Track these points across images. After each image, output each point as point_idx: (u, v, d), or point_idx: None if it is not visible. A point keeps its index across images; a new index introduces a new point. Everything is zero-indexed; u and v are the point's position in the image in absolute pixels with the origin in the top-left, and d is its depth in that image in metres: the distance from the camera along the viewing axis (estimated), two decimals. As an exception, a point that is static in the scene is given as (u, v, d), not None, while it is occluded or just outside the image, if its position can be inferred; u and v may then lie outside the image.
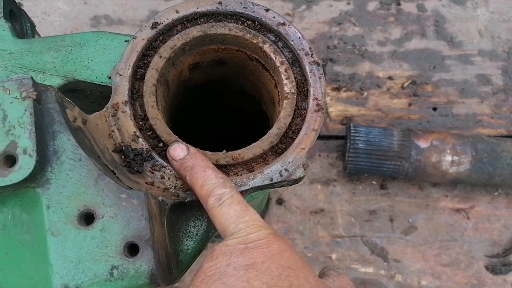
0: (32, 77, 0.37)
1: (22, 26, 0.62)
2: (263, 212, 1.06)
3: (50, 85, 0.39)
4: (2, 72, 0.54)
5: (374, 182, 1.11)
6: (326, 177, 1.12)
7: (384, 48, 1.22)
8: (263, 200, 0.98)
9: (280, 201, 1.09)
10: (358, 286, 1.04)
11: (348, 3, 1.25)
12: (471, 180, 1.02)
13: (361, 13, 1.25)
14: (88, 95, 0.59)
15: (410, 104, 1.17)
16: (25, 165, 0.35)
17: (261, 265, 0.38)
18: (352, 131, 1.05)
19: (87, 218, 0.36)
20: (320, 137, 1.15)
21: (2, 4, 0.57)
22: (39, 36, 0.68)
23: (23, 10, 0.64)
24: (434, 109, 1.17)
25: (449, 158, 1.01)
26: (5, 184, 0.34)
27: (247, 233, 0.41)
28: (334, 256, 1.07)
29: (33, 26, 0.65)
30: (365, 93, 1.18)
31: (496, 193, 1.10)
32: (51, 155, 0.37)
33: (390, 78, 1.19)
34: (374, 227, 1.08)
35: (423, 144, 1.02)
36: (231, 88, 0.64)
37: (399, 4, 1.25)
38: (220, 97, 0.67)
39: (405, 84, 1.19)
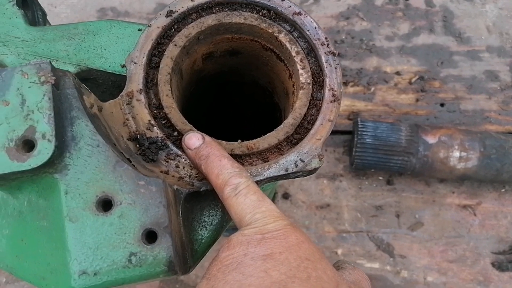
0: (50, 62, 0.37)
1: (34, 14, 0.62)
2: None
3: (68, 71, 0.39)
4: (15, 59, 0.54)
5: (380, 178, 1.11)
6: (333, 172, 1.11)
7: (392, 43, 1.21)
8: (270, 194, 0.98)
9: (286, 196, 1.09)
10: (364, 281, 1.04)
11: (356, -2, 1.24)
12: (479, 176, 1.02)
13: (369, 8, 1.24)
14: (100, 84, 0.58)
15: (417, 100, 1.17)
16: (44, 150, 0.34)
17: (279, 255, 0.38)
18: (359, 126, 1.04)
19: (105, 204, 0.36)
20: (327, 132, 1.15)
21: (14, -9, 0.57)
22: (50, 24, 0.67)
23: (35, -2, 0.63)
24: (442, 105, 1.17)
25: (457, 154, 1.01)
26: (24, 169, 0.34)
27: (264, 223, 0.40)
28: (340, 251, 1.07)
29: (44, 14, 0.65)
30: (372, 88, 1.17)
31: (503, 190, 1.10)
32: (69, 140, 0.36)
33: (397, 73, 1.19)
34: (380, 223, 1.08)
35: (431, 139, 1.02)
36: (243, 79, 0.64)
37: (407, -1, 1.25)
38: (232, 88, 0.66)
39: (413, 80, 1.18)
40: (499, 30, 1.24)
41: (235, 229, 1.03)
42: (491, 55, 1.21)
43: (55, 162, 0.35)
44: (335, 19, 1.23)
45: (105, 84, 0.58)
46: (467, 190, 1.10)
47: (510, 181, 1.04)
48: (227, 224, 0.47)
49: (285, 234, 0.40)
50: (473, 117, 1.16)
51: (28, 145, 0.35)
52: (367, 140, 1.03)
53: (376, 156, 1.03)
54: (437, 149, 1.01)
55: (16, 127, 0.35)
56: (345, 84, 1.18)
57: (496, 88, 1.19)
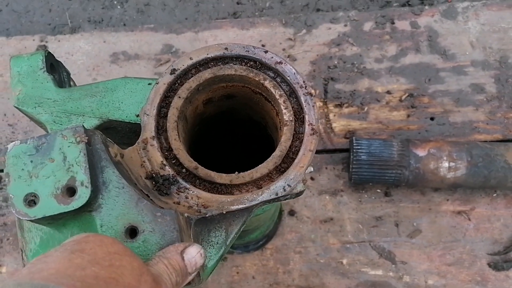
0: (83, 125, 0.47)
1: (60, 75, 0.74)
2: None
3: (96, 130, 0.49)
4: (49, 117, 0.65)
5: (378, 190, 1.19)
6: (334, 188, 1.20)
7: (381, 65, 1.31)
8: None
9: (292, 213, 1.18)
10: (368, 288, 1.12)
11: (345, 25, 1.35)
12: (469, 183, 1.10)
13: (358, 34, 1.34)
14: (119, 131, 0.69)
15: (408, 116, 1.26)
16: (83, 195, 0.45)
17: (88, 250, 0.41)
18: (354, 144, 1.14)
19: (131, 232, 0.46)
20: (326, 151, 1.24)
21: (44, 60, 0.68)
22: (73, 81, 0.79)
23: (60, 61, 0.75)
24: (432, 119, 1.26)
25: (446, 164, 1.09)
26: (69, 210, 0.44)
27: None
28: (345, 261, 1.15)
29: (68, 74, 0.77)
30: (366, 108, 1.27)
31: (494, 195, 1.17)
32: (101, 185, 0.47)
33: (388, 92, 1.28)
34: (381, 232, 1.16)
35: (421, 152, 1.11)
36: (239, 116, 0.74)
37: (393, 23, 1.35)
38: (231, 124, 0.77)
39: (403, 97, 1.28)
40: (483, 45, 1.33)
41: (239, 247, 1.12)
42: (476, 69, 1.30)
43: (91, 203, 0.46)
44: (327, 46, 1.34)
45: (123, 131, 0.69)
46: (461, 197, 1.18)
47: (499, 186, 1.11)
48: (230, 243, 0.56)
49: (102, 238, 0.43)
50: (462, 129, 1.24)
51: (70, 191, 0.45)
52: (362, 156, 1.12)
53: (371, 171, 1.12)
54: (427, 161, 1.10)
55: (60, 178, 0.45)
56: (340, 105, 1.27)
57: (482, 100, 1.27)
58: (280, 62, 0.62)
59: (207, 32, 1.36)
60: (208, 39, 1.36)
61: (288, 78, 0.61)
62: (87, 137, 0.47)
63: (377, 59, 1.32)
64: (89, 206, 0.46)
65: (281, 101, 0.60)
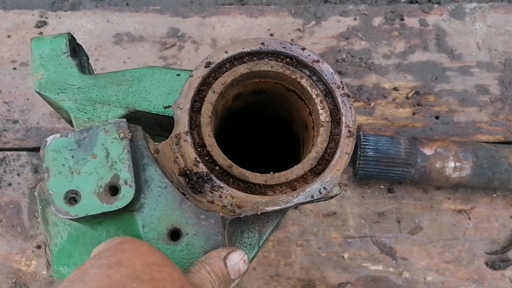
0: (126, 120, 0.45)
1: (81, 60, 0.71)
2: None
3: (137, 125, 0.47)
4: (72, 104, 0.62)
5: (382, 186, 1.20)
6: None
7: (389, 61, 1.31)
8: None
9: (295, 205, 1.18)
10: (369, 283, 1.13)
11: (355, 19, 1.34)
12: (472, 184, 1.12)
13: (367, 28, 1.33)
14: (143, 121, 0.67)
15: (414, 113, 1.26)
16: (127, 194, 0.43)
17: (126, 262, 0.39)
18: (362, 139, 1.14)
19: (174, 235, 0.45)
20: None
21: (68, 43, 0.65)
22: (90, 65, 0.76)
23: (80, 45, 0.72)
24: (437, 117, 1.26)
25: (452, 164, 1.10)
26: (112, 210, 0.43)
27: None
28: (346, 256, 1.16)
29: (87, 58, 0.74)
30: (372, 104, 1.27)
31: (494, 195, 1.20)
32: (143, 184, 0.45)
33: (395, 89, 1.28)
34: (383, 228, 1.17)
35: (428, 151, 1.11)
36: (265, 111, 0.73)
37: (402, 19, 1.34)
38: (255, 118, 0.75)
39: (409, 95, 1.28)
40: (488, 47, 1.33)
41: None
42: (481, 70, 1.31)
43: (134, 202, 0.44)
44: (336, 39, 1.32)
45: (147, 122, 0.67)
46: (462, 196, 1.19)
47: (501, 187, 1.13)
48: (263, 244, 0.55)
49: (138, 245, 0.41)
50: (465, 128, 1.26)
51: (113, 190, 0.44)
52: (370, 153, 1.12)
53: (378, 168, 1.12)
54: (434, 160, 1.11)
55: (103, 175, 0.43)
56: (347, 100, 1.27)
57: (486, 101, 1.28)
58: (318, 61, 0.61)
59: (215, 18, 1.33)
60: (215, 24, 1.33)
61: (325, 77, 0.60)
62: (131, 134, 0.45)
63: (385, 55, 1.31)
64: (131, 205, 0.44)
65: (317, 100, 0.59)
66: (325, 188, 0.56)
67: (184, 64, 1.29)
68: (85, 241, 0.49)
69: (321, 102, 0.59)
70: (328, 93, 0.60)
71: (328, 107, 0.60)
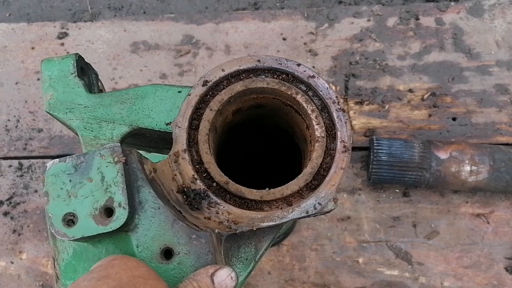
0: (120, 145, 0.47)
1: (89, 78, 0.73)
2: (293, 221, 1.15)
3: (133, 148, 0.50)
4: (79, 123, 0.65)
5: (397, 190, 1.19)
6: (352, 186, 1.21)
7: (404, 62, 1.29)
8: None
9: (310, 210, 1.19)
10: (384, 288, 1.13)
11: (369, 20, 1.33)
12: (489, 188, 1.10)
13: (381, 29, 1.32)
14: (147, 137, 0.70)
15: (430, 115, 1.25)
16: (121, 216, 0.45)
17: (114, 275, 0.42)
18: (375, 144, 1.13)
19: (167, 254, 0.47)
20: (346, 149, 1.24)
21: (75, 64, 0.68)
22: (101, 82, 0.79)
23: (89, 64, 0.75)
24: (454, 119, 1.24)
25: (467, 168, 1.08)
26: (107, 231, 0.45)
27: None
28: (361, 260, 1.16)
29: (97, 76, 0.76)
30: (387, 106, 1.26)
31: (514, 198, 1.17)
32: (137, 205, 0.47)
33: (410, 90, 1.27)
34: (398, 233, 1.17)
35: (442, 155, 1.10)
36: (267, 123, 0.74)
37: (417, 19, 1.32)
38: (257, 131, 0.77)
39: (425, 96, 1.26)
40: (509, 44, 1.30)
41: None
42: (500, 69, 1.28)
43: (128, 223, 0.46)
44: (349, 41, 1.32)
45: (151, 137, 0.69)
46: (480, 199, 1.17)
47: (520, 191, 1.11)
48: (259, 259, 0.57)
49: (127, 261, 0.44)
50: (484, 130, 1.23)
51: (108, 212, 0.46)
52: (383, 157, 1.11)
53: (391, 172, 1.12)
54: (449, 164, 1.09)
55: (99, 198, 0.46)
56: (361, 103, 1.26)
57: (506, 101, 1.25)
58: (313, 76, 0.61)
59: (228, 24, 1.35)
60: (228, 30, 1.34)
61: (320, 92, 0.61)
62: (124, 157, 0.47)
63: (400, 56, 1.30)
64: (126, 226, 0.46)
65: (313, 116, 0.60)
66: (320, 204, 0.57)
67: (199, 70, 1.32)
68: (88, 257, 0.52)
69: (316, 117, 0.60)
70: (324, 108, 0.61)
71: (324, 122, 0.60)
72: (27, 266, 1.24)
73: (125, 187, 0.46)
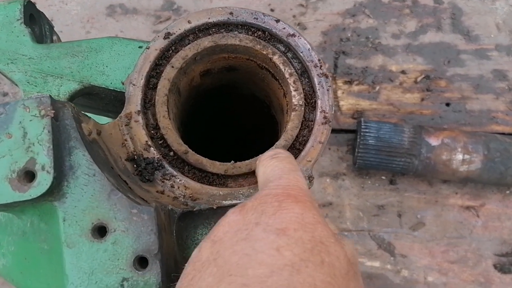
0: (50, 96, 0.39)
1: (41, 28, 0.64)
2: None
3: (67, 102, 0.41)
4: (22, 76, 0.56)
5: (383, 177, 1.12)
6: (336, 170, 1.13)
7: (398, 41, 1.21)
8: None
9: (290, 194, 1.11)
10: (364, 280, 1.06)
11: (364, -5, 1.24)
12: (482, 179, 1.03)
13: (375, 5, 1.23)
14: (103, 98, 0.61)
15: (422, 99, 1.17)
16: (43, 181, 0.37)
17: (293, 232, 0.35)
18: (362, 126, 1.05)
19: (100, 231, 0.38)
20: (331, 131, 1.16)
21: (22, 10, 0.59)
22: (58, 36, 0.69)
23: (42, 12, 0.65)
24: (447, 104, 1.17)
25: (460, 156, 1.01)
26: (25, 199, 0.37)
27: (286, 189, 0.38)
28: (341, 249, 1.09)
29: (51, 27, 0.67)
30: (377, 87, 1.18)
31: (508, 192, 1.10)
32: (67, 170, 0.39)
33: (403, 72, 1.19)
34: (382, 222, 1.10)
35: (434, 141, 1.02)
36: (242, 91, 0.65)
37: (415, -4, 1.24)
38: (231, 100, 0.68)
39: (418, 79, 1.18)
40: (510, 28, 1.22)
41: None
42: (500, 54, 1.20)
43: (54, 191, 0.38)
44: (341, 16, 1.23)
45: (107, 98, 0.61)
46: (471, 191, 1.10)
47: (514, 183, 1.04)
48: (219, 242, 0.49)
49: (303, 210, 0.37)
50: (479, 118, 1.16)
51: (29, 175, 0.37)
52: (370, 141, 1.04)
53: (378, 157, 1.04)
54: (440, 151, 1.02)
55: (18, 159, 0.37)
56: (350, 82, 1.18)
57: (504, 88, 1.18)
58: (293, 35, 0.53)
59: (213, -9, 1.25)
60: (213, -2, 1.24)
61: (301, 54, 0.52)
62: (53, 111, 0.38)
63: (394, 35, 1.21)
64: (51, 194, 0.38)
65: (290, 81, 0.51)
66: (292, 181, 0.49)
67: (179, 40, 1.22)
68: (12, 231, 0.44)
69: (294, 82, 0.51)
70: (304, 72, 0.53)
71: (303, 89, 0.52)
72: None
73: (51, 146, 0.37)
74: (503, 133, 1.11)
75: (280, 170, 0.41)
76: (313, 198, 0.39)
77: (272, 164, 0.42)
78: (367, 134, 1.04)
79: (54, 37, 0.69)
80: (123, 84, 0.56)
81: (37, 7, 0.65)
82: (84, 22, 1.24)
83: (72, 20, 1.24)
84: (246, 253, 0.33)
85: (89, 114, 0.50)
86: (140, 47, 0.58)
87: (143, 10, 1.25)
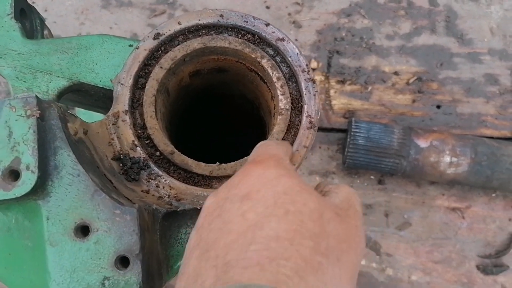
0: (36, 96, 0.39)
1: (32, 23, 0.64)
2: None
3: (53, 101, 0.41)
4: (11, 72, 0.56)
5: (372, 177, 1.13)
6: (325, 169, 1.14)
7: (392, 42, 1.21)
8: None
9: (279, 191, 1.12)
10: (349, 278, 1.08)
11: (360, -5, 1.24)
12: (469, 182, 1.04)
13: (371, 5, 1.24)
14: (93, 95, 0.61)
15: (414, 101, 1.18)
16: (28, 181, 0.37)
17: (256, 194, 0.36)
18: (353, 126, 1.06)
19: (83, 230, 0.39)
20: (322, 129, 1.17)
21: (13, 4, 0.59)
22: (49, 30, 0.69)
23: (34, 7, 0.65)
24: (438, 107, 1.18)
25: (447, 159, 1.02)
26: (9, 198, 0.37)
27: (253, 159, 0.39)
28: (328, 247, 1.10)
29: (42, 22, 0.67)
30: (370, 88, 1.18)
31: (494, 195, 1.12)
32: (52, 169, 0.39)
33: (396, 73, 1.19)
34: (369, 221, 1.11)
35: (422, 143, 1.04)
36: (231, 92, 0.66)
37: (411, -2, 1.24)
38: (221, 100, 0.69)
39: (411, 80, 1.19)
40: (503, 33, 1.23)
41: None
42: (492, 58, 1.21)
43: (38, 190, 0.38)
44: (336, 16, 1.23)
45: (96, 95, 0.61)
46: (457, 193, 1.12)
47: (501, 188, 1.05)
48: (202, 242, 0.50)
49: (264, 169, 0.37)
50: (469, 121, 1.17)
51: (13, 174, 0.38)
52: (360, 141, 1.05)
53: (367, 157, 1.05)
54: (428, 153, 1.03)
55: (3, 158, 0.38)
56: (343, 82, 1.19)
57: (495, 92, 1.19)
58: (282, 39, 0.53)
59: (209, -15, 1.25)
60: (209, -7, 1.24)
61: (289, 58, 0.53)
62: (39, 111, 0.39)
63: (388, 36, 1.22)
64: (35, 193, 0.39)
65: (278, 85, 0.52)
66: (276, 185, 0.49)
67: (174, 34, 1.22)
68: (-2, 226, 0.44)
69: (281, 86, 0.52)
70: (292, 77, 0.53)
71: (290, 93, 0.52)
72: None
73: (36, 146, 0.38)
74: (492, 137, 1.12)
75: (260, 147, 0.42)
76: (285, 159, 0.40)
77: (256, 148, 0.43)
78: (357, 134, 1.05)
79: (45, 32, 0.69)
80: (112, 81, 0.57)
81: (34, 1, 0.65)
82: (78, 13, 1.24)
83: (66, 11, 1.24)
84: (219, 228, 0.35)
85: (81, 109, 0.51)
86: (130, 45, 0.58)
87: (138, 3, 1.24)
